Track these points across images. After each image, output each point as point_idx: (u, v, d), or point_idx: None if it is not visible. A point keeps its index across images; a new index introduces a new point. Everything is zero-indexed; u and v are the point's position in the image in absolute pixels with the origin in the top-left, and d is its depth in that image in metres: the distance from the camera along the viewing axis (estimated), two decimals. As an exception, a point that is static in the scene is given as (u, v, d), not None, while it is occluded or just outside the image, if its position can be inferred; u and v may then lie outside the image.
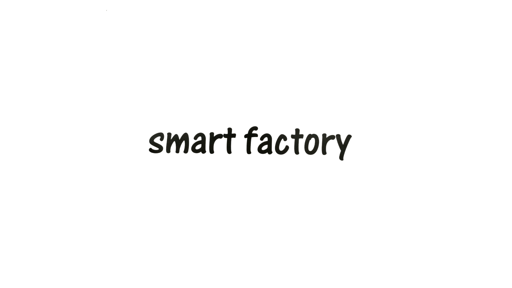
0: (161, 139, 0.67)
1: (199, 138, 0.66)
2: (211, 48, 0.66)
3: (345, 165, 0.67)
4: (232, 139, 0.67)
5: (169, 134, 0.66)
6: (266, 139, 0.67)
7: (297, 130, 0.67)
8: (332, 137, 0.67)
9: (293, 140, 0.67)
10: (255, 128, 0.67)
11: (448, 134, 0.68)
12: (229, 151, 0.67)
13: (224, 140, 0.67)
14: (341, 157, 0.67)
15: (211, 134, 0.67)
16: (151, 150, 0.66)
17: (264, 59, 0.67)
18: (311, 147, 0.67)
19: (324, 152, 0.67)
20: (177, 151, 0.66)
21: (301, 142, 0.67)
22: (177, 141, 0.66)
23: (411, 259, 0.67)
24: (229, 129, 0.67)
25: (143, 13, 0.64)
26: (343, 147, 0.67)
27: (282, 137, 0.67)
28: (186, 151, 0.66)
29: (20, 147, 0.66)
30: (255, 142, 0.67)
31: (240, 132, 0.67)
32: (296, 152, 0.67)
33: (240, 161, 0.67)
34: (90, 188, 0.66)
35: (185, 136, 0.66)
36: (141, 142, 0.66)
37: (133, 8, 0.64)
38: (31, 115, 0.66)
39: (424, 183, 0.68)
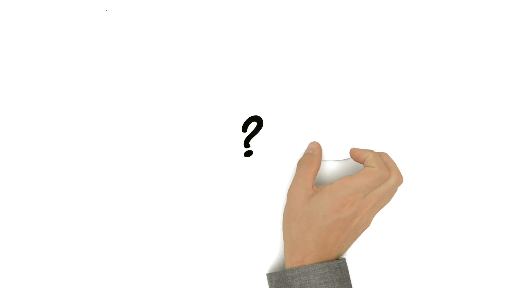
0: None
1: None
2: (211, 48, 0.68)
3: (344, 165, 0.68)
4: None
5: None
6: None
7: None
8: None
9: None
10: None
11: (449, 136, 0.69)
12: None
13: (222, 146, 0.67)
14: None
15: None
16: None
17: (263, 61, 0.69)
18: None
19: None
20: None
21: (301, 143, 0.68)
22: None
23: (412, 259, 0.66)
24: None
25: (143, 13, 0.67)
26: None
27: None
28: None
29: (19, 147, 0.66)
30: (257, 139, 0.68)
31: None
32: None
33: (238, 161, 0.67)
34: (87, 190, 0.64)
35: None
36: (140, 142, 0.66)
37: (133, 8, 0.67)
38: (30, 115, 0.65)
39: (425, 183, 0.68)
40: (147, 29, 0.67)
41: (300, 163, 0.64)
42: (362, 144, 0.68)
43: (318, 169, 0.64)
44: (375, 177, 0.59)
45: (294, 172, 0.66)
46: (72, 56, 0.66)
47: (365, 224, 0.61)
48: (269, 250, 0.66)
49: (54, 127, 0.65)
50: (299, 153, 0.68)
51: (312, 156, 0.64)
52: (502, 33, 0.70)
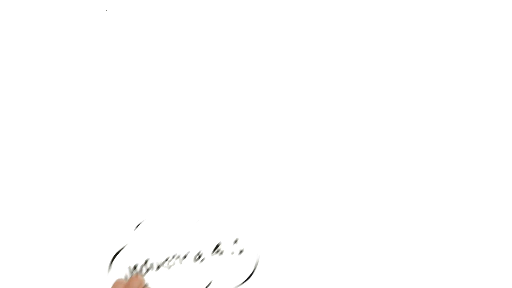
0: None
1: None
2: (211, 48, 0.68)
3: (344, 167, 0.67)
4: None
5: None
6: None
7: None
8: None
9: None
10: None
11: (448, 136, 0.69)
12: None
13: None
14: None
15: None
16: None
17: (263, 61, 0.69)
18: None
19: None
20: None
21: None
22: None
23: (415, 261, 0.65)
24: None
25: (143, 13, 0.67)
26: None
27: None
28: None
29: (19, 147, 0.66)
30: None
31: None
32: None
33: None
34: (86, 190, 0.64)
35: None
36: (139, 142, 0.66)
37: (133, 8, 0.67)
38: (30, 115, 0.65)
39: (426, 185, 0.68)
40: (147, 29, 0.67)
41: None
42: (362, 144, 0.68)
43: None
44: None
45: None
46: (72, 56, 0.66)
47: None
48: (268, 249, 0.66)
49: (53, 126, 0.65)
50: (297, 153, 0.67)
51: None
52: (502, 33, 0.70)
